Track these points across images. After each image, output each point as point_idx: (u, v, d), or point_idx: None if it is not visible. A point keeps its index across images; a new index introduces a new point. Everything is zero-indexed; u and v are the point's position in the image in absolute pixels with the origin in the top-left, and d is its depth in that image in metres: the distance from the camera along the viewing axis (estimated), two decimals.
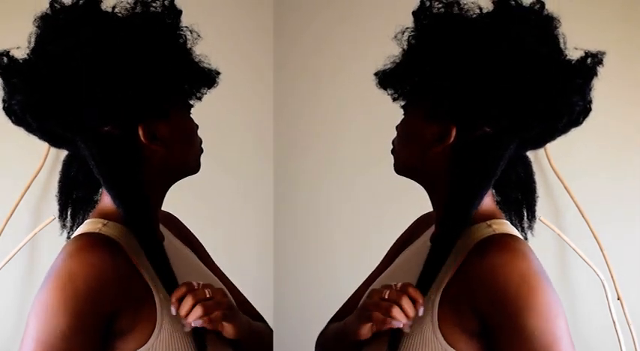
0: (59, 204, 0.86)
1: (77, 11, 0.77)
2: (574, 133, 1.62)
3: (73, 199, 0.86)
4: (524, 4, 0.79)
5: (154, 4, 0.79)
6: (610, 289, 1.57)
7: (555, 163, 1.63)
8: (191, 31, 0.83)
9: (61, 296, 0.69)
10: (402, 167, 0.86)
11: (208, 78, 0.86)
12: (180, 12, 0.82)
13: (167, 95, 0.80)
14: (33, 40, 0.77)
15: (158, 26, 0.79)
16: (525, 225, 0.88)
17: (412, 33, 0.82)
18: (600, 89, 1.62)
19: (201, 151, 0.89)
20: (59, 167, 1.59)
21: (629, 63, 1.62)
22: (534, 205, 0.88)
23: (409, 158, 0.84)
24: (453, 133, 0.78)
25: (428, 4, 0.80)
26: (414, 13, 0.82)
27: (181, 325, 0.76)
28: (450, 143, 0.79)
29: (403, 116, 0.87)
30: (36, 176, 1.56)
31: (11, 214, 1.53)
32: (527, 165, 0.88)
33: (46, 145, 1.57)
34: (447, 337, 0.75)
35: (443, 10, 0.79)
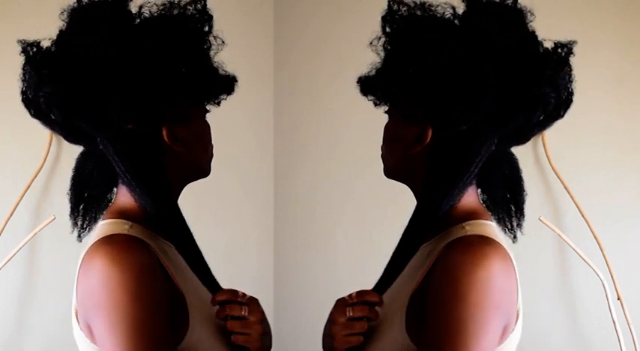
0: (71, 201, 0.85)
1: (107, 8, 0.76)
2: (574, 133, 1.63)
3: (86, 197, 0.85)
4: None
5: (189, 7, 0.79)
6: (610, 289, 1.57)
7: (555, 163, 1.63)
8: (215, 38, 0.83)
9: (139, 306, 0.67)
10: (390, 171, 0.88)
11: (228, 85, 0.86)
12: (211, 17, 0.81)
13: (190, 99, 0.81)
14: (63, 33, 0.77)
15: (187, 30, 0.79)
16: (514, 223, 0.87)
17: (385, 38, 0.82)
18: (600, 89, 1.62)
19: (212, 156, 0.89)
20: (59, 167, 1.60)
21: (630, 63, 1.62)
22: (522, 202, 0.87)
23: (395, 161, 0.85)
24: (429, 133, 0.79)
25: (395, 7, 0.80)
26: (382, 17, 0.82)
27: (210, 329, 0.77)
28: (428, 143, 0.79)
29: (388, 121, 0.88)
30: (36, 176, 1.56)
31: (11, 214, 1.53)
32: (512, 162, 0.87)
33: (46, 145, 1.58)
34: (412, 336, 0.74)
35: (410, 12, 0.79)
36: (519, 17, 0.78)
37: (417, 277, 0.78)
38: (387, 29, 0.81)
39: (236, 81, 0.87)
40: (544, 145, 1.63)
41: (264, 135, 2.00)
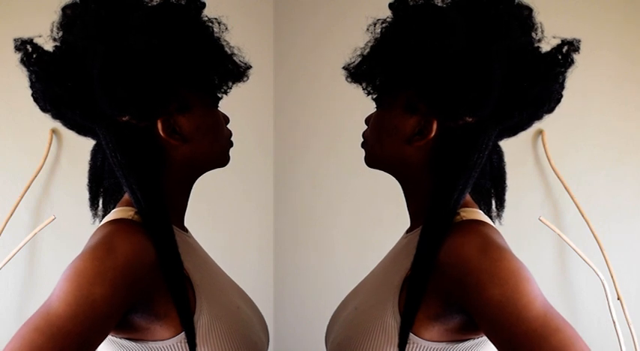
0: (90, 193, 0.86)
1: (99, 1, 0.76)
2: (574, 133, 1.63)
3: (105, 188, 0.85)
4: None
5: None
6: (610, 289, 1.57)
7: (555, 163, 1.63)
8: (219, 23, 0.81)
9: (100, 266, 0.68)
10: (378, 161, 0.85)
11: (236, 72, 0.84)
12: (203, 4, 0.80)
13: (190, 89, 0.79)
14: (55, 28, 0.76)
15: (182, 17, 0.77)
16: (493, 214, 0.87)
17: (385, 24, 0.80)
18: (600, 89, 1.62)
19: (231, 144, 0.88)
20: (59, 167, 1.60)
21: (630, 63, 1.62)
22: (504, 194, 0.87)
23: (386, 152, 0.83)
24: (435, 126, 0.77)
25: None
26: (390, 5, 0.80)
27: (221, 313, 0.76)
28: (432, 136, 0.77)
29: (376, 108, 0.85)
30: (36, 176, 1.56)
31: (11, 214, 1.53)
32: (500, 154, 0.87)
33: (46, 144, 1.58)
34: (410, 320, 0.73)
35: (419, 1, 0.78)
36: (528, 12, 0.77)
37: (403, 266, 0.77)
38: (395, 16, 0.79)
39: (249, 68, 0.85)
40: (544, 145, 1.63)
41: (264, 135, 2.00)
